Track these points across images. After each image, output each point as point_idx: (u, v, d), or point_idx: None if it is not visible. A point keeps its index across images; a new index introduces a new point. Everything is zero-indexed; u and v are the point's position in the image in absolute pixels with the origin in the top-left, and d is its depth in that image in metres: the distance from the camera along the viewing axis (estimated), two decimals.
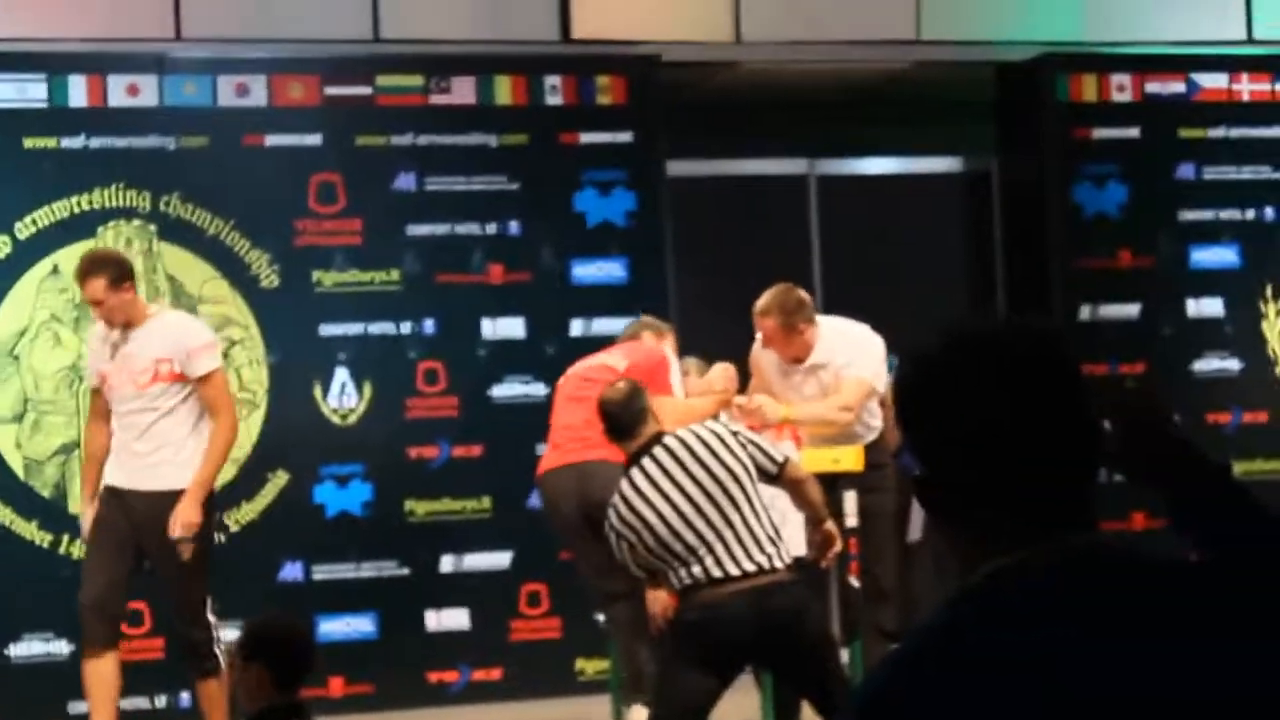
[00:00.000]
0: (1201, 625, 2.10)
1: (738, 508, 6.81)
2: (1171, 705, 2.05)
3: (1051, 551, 2.13)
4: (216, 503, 8.15)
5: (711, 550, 6.76)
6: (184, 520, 7.72)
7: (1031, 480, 2.15)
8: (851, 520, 8.28)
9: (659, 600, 7.53)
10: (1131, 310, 11.01)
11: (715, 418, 7.91)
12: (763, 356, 8.62)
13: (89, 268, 7.89)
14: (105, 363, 7.92)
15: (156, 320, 7.92)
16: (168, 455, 7.84)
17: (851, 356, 8.46)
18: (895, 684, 2.08)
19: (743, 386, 8.66)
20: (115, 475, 7.91)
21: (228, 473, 9.60)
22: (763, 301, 8.46)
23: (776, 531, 6.96)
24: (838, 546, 7.33)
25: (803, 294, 8.51)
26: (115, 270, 7.84)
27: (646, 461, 6.87)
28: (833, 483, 8.15)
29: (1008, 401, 2.16)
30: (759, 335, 8.61)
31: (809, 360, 8.49)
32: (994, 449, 2.15)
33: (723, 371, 8.58)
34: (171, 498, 7.79)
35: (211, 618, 7.86)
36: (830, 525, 7.26)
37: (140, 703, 9.45)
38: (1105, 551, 2.15)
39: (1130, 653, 2.06)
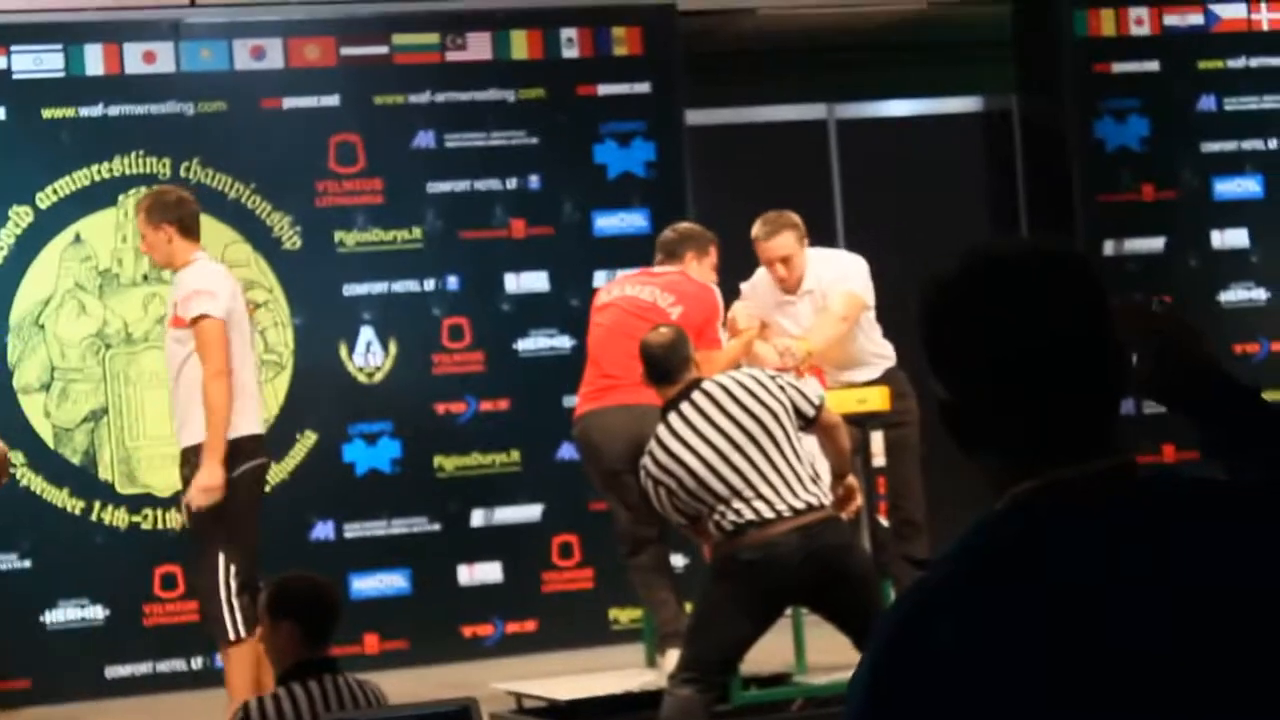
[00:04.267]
0: (1230, 547, 2.08)
1: (779, 448, 6.81)
2: (1200, 627, 2.02)
3: (1076, 474, 2.09)
4: (240, 462, 7.64)
5: (757, 491, 6.76)
6: (201, 485, 7.50)
7: (1056, 405, 2.10)
8: (879, 460, 8.27)
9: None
10: (1156, 244, 10.99)
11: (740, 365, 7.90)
12: (756, 295, 8.64)
13: (140, 200, 8.03)
14: None
15: (189, 267, 7.74)
16: (187, 408, 7.70)
17: (838, 273, 8.53)
18: (920, 610, 2.06)
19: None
20: None
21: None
22: (767, 227, 8.47)
23: (816, 471, 6.97)
24: (859, 501, 7.32)
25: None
26: (152, 206, 7.80)
27: (685, 406, 6.87)
28: (860, 423, 8.16)
29: (1030, 323, 2.10)
30: (745, 285, 8.63)
31: (801, 287, 8.53)
32: (1016, 372, 2.10)
33: (744, 310, 8.53)
34: (187, 454, 7.68)
35: (228, 584, 7.50)
36: (852, 480, 7.26)
37: (177, 665, 9.52)
38: (1134, 473, 2.12)
39: (1158, 574, 2.04)
